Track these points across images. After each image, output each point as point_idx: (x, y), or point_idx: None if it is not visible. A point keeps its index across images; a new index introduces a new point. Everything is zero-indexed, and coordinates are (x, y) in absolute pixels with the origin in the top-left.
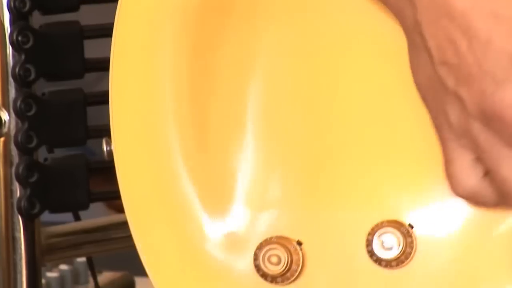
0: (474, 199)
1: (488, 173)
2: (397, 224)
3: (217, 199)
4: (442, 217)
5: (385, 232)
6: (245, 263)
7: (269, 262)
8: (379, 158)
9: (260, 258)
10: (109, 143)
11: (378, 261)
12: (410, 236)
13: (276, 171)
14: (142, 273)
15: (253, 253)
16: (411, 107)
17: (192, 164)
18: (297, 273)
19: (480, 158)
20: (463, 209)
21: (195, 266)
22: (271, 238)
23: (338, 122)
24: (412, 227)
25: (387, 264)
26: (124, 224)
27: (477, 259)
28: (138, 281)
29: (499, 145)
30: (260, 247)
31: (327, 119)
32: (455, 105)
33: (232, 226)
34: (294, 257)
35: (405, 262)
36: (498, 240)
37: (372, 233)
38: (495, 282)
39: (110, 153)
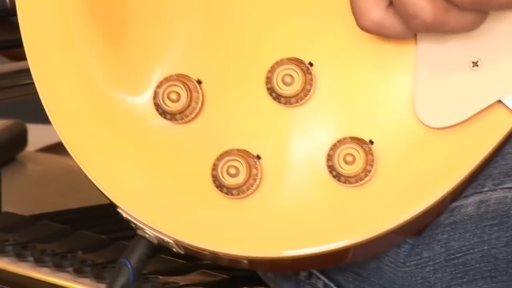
0: (379, 31)
1: (391, 4)
2: (296, 61)
3: (118, 41)
4: (342, 56)
5: (285, 69)
6: (145, 101)
7: (169, 99)
8: (280, 2)
9: (160, 95)
10: None
11: (278, 98)
12: (310, 73)
13: (178, 17)
14: (34, 120)
15: (153, 91)
16: None
17: (97, 15)
18: (196, 110)
19: None
20: (362, 47)
21: (95, 107)
22: (171, 76)
23: None
24: (312, 64)
25: (286, 101)
26: (16, 73)
27: (374, 94)
28: (30, 128)
29: None
30: (160, 85)
31: None
32: None
33: (132, 65)
34: (194, 95)
35: (305, 99)
36: (394, 75)
37: (272, 70)
38: (392, 112)
39: (12, 1)
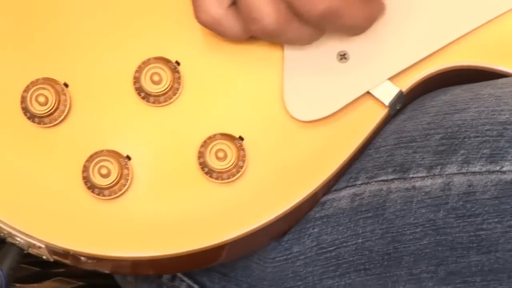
0: (216, 28)
1: (232, 6)
2: (164, 60)
3: None
4: (209, 53)
5: (152, 68)
6: (13, 106)
7: (37, 102)
8: (145, 3)
9: (27, 99)
10: None
11: (146, 97)
12: (178, 71)
13: (43, 22)
14: None
15: (20, 95)
16: None
17: None
18: (65, 113)
19: None
20: (229, 44)
21: None
22: (37, 79)
23: None
24: (178, 63)
25: (155, 100)
26: None
27: (243, 90)
28: None
29: None
30: (26, 90)
31: None
32: None
33: None
34: (61, 98)
35: (173, 98)
36: (263, 70)
37: (139, 70)
38: (262, 107)
39: None
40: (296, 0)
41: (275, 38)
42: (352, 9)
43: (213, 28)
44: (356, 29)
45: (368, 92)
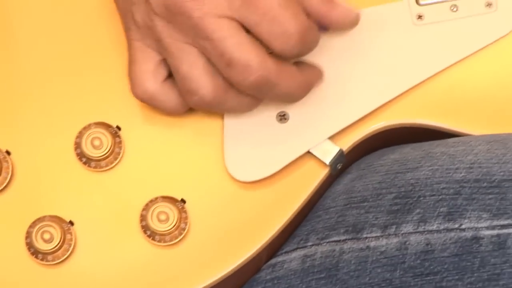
0: (152, 102)
1: (168, 79)
2: (104, 125)
3: None
4: (149, 119)
5: (93, 133)
6: None
7: None
8: (81, 73)
9: None
10: None
11: (88, 162)
12: (119, 136)
13: None
14: None
15: None
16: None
17: None
18: (7, 180)
19: (162, 56)
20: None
21: None
22: None
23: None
24: (119, 128)
25: (96, 165)
26: None
27: (184, 154)
28: None
29: (180, 41)
30: None
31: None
32: (141, 5)
33: None
34: (4, 165)
35: (115, 162)
36: (204, 133)
37: (80, 135)
38: (204, 170)
39: None
40: (229, 71)
41: (214, 108)
42: (286, 77)
43: (150, 103)
44: (292, 96)
45: (308, 152)
